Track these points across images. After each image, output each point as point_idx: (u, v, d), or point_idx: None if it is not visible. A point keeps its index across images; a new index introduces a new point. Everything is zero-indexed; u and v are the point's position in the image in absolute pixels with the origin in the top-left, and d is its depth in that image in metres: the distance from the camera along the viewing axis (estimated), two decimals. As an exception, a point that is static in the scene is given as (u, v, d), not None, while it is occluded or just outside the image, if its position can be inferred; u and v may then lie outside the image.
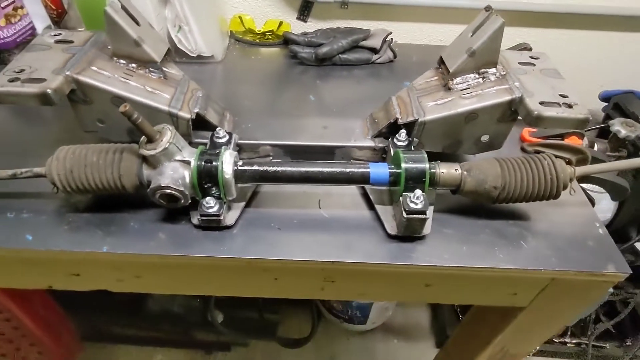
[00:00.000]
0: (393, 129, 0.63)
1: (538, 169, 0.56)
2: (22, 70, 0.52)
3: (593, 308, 0.65)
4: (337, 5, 1.00)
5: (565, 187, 0.56)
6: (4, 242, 0.53)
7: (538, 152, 0.70)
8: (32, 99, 0.50)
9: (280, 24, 1.00)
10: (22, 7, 0.84)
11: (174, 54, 0.85)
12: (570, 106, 0.55)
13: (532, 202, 0.58)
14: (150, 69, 0.60)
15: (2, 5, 0.80)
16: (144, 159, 0.52)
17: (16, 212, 0.57)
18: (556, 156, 0.58)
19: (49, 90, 0.50)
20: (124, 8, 0.56)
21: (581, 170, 0.58)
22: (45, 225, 0.56)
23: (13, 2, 0.82)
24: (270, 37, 1.00)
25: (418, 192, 0.53)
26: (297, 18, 1.05)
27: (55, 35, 0.60)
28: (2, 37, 0.82)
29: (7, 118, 0.75)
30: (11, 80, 0.51)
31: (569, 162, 0.59)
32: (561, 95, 0.57)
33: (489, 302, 0.64)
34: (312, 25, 1.05)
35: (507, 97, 0.58)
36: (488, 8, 0.60)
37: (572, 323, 1.14)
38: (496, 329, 0.75)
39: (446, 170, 0.56)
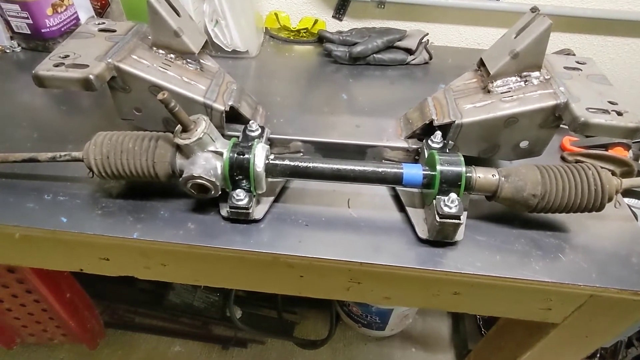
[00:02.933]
0: (427, 130, 0.62)
1: (582, 179, 0.53)
2: (66, 56, 0.54)
3: (633, 330, 0.62)
4: (374, 4, 0.99)
5: (610, 200, 0.53)
6: (41, 223, 0.55)
7: (579, 161, 0.67)
8: (75, 84, 0.51)
9: (316, 21, 0.99)
10: (68, -2, 0.87)
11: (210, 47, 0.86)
12: (620, 114, 0.52)
13: (573, 214, 0.55)
14: (188, 60, 0.61)
15: (50, -5, 0.83)
16: (178, 148, 0.53)
17: (53, 195, 0.59)
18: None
19: (91, 76, 0.51)
20: (166, -1, 0.57)
21: (628, 182, 0.55)
22: (79, 209, 0.57)
23: (60, -8, 0.85)
24: (304, 34, 1.00)
25: (453, 195, 0.51)
26: (332, 16, 1.04)
27: (99, 24, 0.62)
28: (48, 25, 0.85)
29: (48, 105, 0.77)
30: (56, 65, 0.52)
31: (613, 174, 0.56)
32: (610, 102, 0.54)
33: (520, 315, 0.61)
34: (347, 24, 1.05)
35: (551, 102, 0.55)
36: (534, 9, 0.58)
37: (609, 345, 1.08)
38: (524, 345, 0.72)
39: (483, 175, 0.54)
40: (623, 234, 0.59)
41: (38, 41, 0.87)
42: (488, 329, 1.37)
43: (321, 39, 0.95)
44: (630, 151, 0.75)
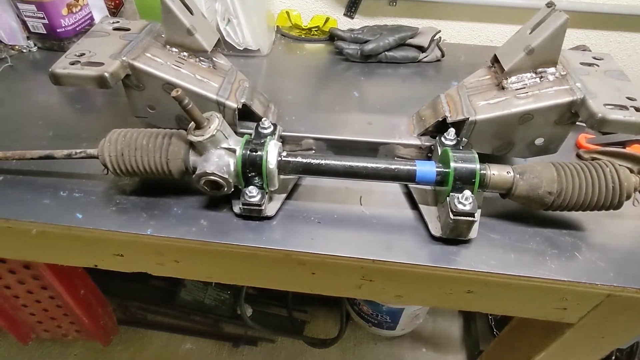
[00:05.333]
0: (440, 127, 0.61)
1: (599, 176, 0.52)
2: (82, 55, 0.55)
3: (650, 331, 0.60)
4: (386, 2, 0.99)
5: (628, 198, 0.52)
6: (57, 219, 0.56)
7: (596, 159, 0.66)
8: (90, 82, 0.52)
9: (327, 20, 0.99)
10: (83, -2, 0.89)
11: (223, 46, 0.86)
12: (638, 110, 0.51)
13: (589, 212, 0.54)
14: (201, 58, 0.61)
15: (66, -5, 0.84)
16: (191, 145, 0.53)
17: (69, 192, 0.59)
18: (618, 164, 0.54)
19: (106, 74, 0.52)
20: (179, -3, 0.57)
21: (647, 180, 0.54)
22: (94, 205, 0.58)
23: (75, -8, 0.86)
24: (316, 32, 1.00)
25: (467, 192, 0.51)
26: (344, 14, 1.04)
27: (113, 22, 0.62)
28: (63, 25, 0.86)
29: (63, 103, 0.79)
30: (72, 63, 0.53)
31: (631, 172, 0.55)
32: (628, 98, 0.53)
33: (535, 315, 0.60)
34: (359, 22, 1.04)
35: (567, 98, 0.54)
36: (550, 4, 0.57)
37: (626, 346, 1.06)
38: (538, 345, 0.71)
39: (497, 172, 0.53)
40: (641, 232, 0.58)
41: (53, 41, 0.89)
42: (500, 329, 1.35)
43: (332, 37, 0.94)
44: (649, 149, 0.73)
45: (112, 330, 1.43)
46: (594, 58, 0.62)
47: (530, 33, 0.57)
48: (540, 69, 0.58)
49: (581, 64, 0.60)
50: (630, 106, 0.52)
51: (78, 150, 0.56)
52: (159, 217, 0.57)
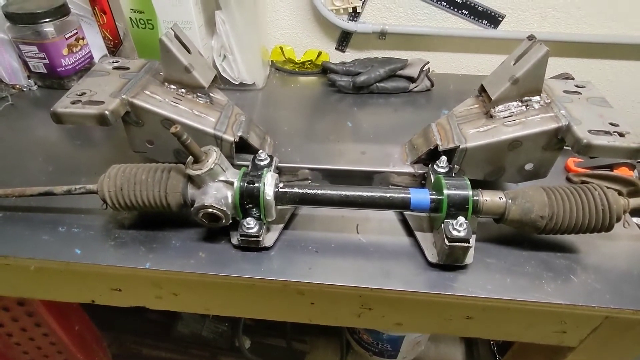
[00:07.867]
0: (432, 155, 0.63)
1: (588, 199, 0.53)
2: (83, 94, 0.56)
3: (651, 352, 0.60)
4: (375, 36, 1.03)
5: (618, 220, 0.53)
6: (56, 255, 0.56)
7: (584, 182, 0.68)
8: (91, 120, 0.53)
9: (319, 54, 1.03)
10: (83, 38, 0.91)
11: (219, 81, 0.89)
12: (622, 135, 0.53)
13: (582, 234, 0.55)
14: (198, 94, 0.63)
15: (67, 36, 0.87)
16: (190, 178, 0.54)
17: (68, 227, 0.60)
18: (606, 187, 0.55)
19: (106, 112, 0.53)
20: (177, 37, 0.60)
21: (635, 202, 0.55)
22: (93, 240, 0.58)
23: (76, 33, 0.89)
24: (309, 66, 1.03)
25: (461, 219, 0.52)
26: (335, 48, 1.08)
27: (113, 62, 0.64)
28: (64, 64, 0.89)
29: (63, 140, 0.80)
30: (73, 103, 0.55)
31: (619, 194, 0.57)
32: (611, 124, 0.55)
33: (535, 339, 0.60)
34: (350, 55, 1.08)
35: (553, 125, 0.56)
36: (531, 37, 0.60)
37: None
38: (541, 370, 0.71)
39: (490, 198, 0.54)
40: (635, 253, 0.59)
41: (54, 79, 0.91)
42: (503, 355, 1.33)
43: (325, 70, 0.97)
44: (636, 171, 0.75)
45: (107, 367, 1.39)
46: (577, 86, 0.64)
47: (514, 64, 0.60)
48: (525, 98, 0.60)
49: (564, 92, 0.63)
50: (614, 132, 0.54)
51: (77, 186, 0.57)
52: (158, 250, 0.57)
